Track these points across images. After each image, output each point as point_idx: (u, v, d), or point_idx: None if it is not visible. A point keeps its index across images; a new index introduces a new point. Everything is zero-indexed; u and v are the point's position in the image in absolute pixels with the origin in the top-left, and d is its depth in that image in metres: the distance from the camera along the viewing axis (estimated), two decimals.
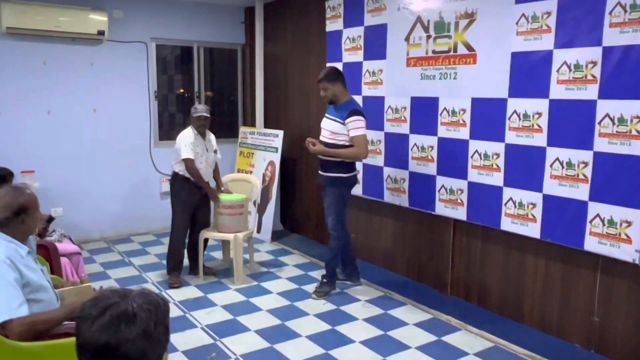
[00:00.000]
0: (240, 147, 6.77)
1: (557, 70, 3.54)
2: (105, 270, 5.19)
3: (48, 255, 3.83)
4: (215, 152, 4.91)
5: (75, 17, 5.56)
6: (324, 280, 4.63)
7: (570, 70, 3.48)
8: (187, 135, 4.69)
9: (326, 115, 4.56)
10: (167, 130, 6.83)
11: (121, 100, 6.18)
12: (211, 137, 4.91)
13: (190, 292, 4.66)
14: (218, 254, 5.62)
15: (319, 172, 4.57)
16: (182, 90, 6.85)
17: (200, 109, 4.71)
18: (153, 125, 6.46)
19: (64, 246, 4.14)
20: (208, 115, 4.73)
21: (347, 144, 4.34)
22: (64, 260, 3.95)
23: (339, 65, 5.32)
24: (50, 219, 4.36)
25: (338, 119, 4.36)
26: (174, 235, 4.79)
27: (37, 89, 5.67)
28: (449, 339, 3.82)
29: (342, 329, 3.96)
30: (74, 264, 4.13)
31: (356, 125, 4.28)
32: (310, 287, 4.77)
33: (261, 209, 6.34)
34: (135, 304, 1.19)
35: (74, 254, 4.17)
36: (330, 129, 4.41)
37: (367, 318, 4.15)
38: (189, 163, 4.65)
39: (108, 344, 1.14)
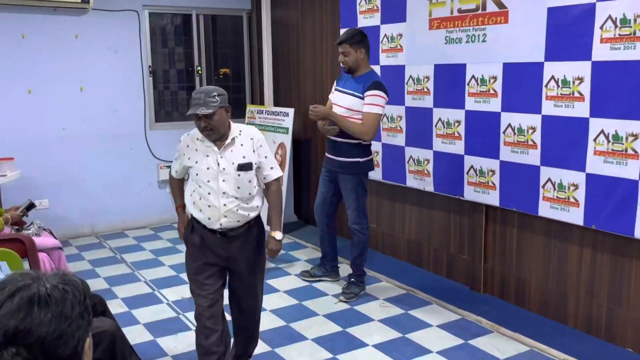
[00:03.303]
0: None
1: (601, 27, 3.45)
2: (94, 268, 5.30)
3: (24, 250, 3.93)
4: (244, 167, 3.04)
5: None
6: (352, 280, 4.61)
7: (616, 26, 3.38)
8: (183, 140, 3.18)
9: (337, 87, 4.48)
10: (168, 110, 6.92)
11: (111, 77, 6.27)
12: (242, 139, 3.08)
13: (186, 290, 4.69)
14: None
15: (328, 155, 4.53)
16: (199, 72, 6.87)
17: (195, 100, 2.95)
18: (148, 105, 6.53)
19: (43, 240, 4.23)
20: (209, 111, 2.91)
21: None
22: (42, 256, 4.04)
23: None
24: (31, 206, 4.44)
25: (356, 93, 4.28)
26: (197, 324, 3.19)
27: (15, 66, 5.78)
28: (477, 342, 3.79)
29: (355, 331, 3.98)
30: (55, 260, 4.23)
31: (373, 102, 4.21)
32: (323, 285, 4.80)
33: None
34: (48, 284, 1.22)
35: (54, 249, 4.27)
36: (346, 104, 4.32)
37: (384, 319, 4.15)
38: (170, 177, 3.40)
39: (17, 329, 1.16)
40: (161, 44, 6.83)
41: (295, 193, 6.73)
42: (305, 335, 3.92)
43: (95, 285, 4.81)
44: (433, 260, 5.03)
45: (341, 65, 4.41)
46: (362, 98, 4.25)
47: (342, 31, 5.43)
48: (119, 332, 2.87)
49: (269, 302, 4.47)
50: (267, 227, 3.25)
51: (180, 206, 3.34)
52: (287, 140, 6.29)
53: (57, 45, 5.94)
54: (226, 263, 3.16)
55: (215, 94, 2.95)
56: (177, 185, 3.39)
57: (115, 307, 4.31)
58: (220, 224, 3.05)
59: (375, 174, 5.28)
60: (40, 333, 1.17)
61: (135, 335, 3.91)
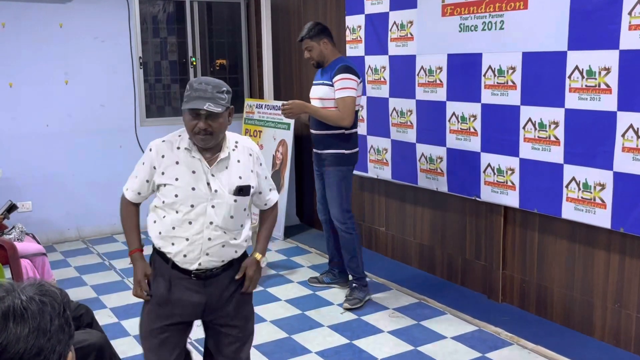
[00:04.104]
0: (246, 124, 6.79)
1: (629, 13, 3.42)
2: (81, 276, 5.29)
3: (5, 256, 3.93)
4: (243, 191, 2.56)
5: None
6: (354, 285, 4.63)
7: None
8: (156, 147, 2.57)
9: (314, 82, 4.66)
10: (160, 105, 6.91)
11: (98, 69, 6.26)
12: (239, 154, 2.61)
13: None
14: None
15: (314, 150, 4.65)
16: (194, 63, 6.87)
17: (198, 92, 2.43)
18: (138, 99, 6.52)
19: (25, 246, 4.24)
20: (218, 110, 2.42)
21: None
22: (24, 263, 4.05)
23: (361, 18, 5.29)
24: (12, 208, 4.43)
25: (326, 81, 4.44)
26: None
27: None
28: (496, 355, 3.78)
29: (362, 343, 3.96)
30: (38, 267, 4.23)
31: (344, 85, 4.34)
32: (327, 293, 4.79)
33: None
34: (24, 296, 1.22)
35: (37, 255, 4.28)
36: (318, 95, 4.50)
37: (394, 330, 4.14)
38: (121, 201, 2.71)
39: None
40: (152, 34, 6.81)
41: (297, 194, 6.71)
42: (309, 348, 3.91)
43: (82, 294, 4.80)
44: (447, 266, 5.01)
45: (310, 62, 4.60)
46: (331, 85, 4.39)
47: (348, 19, 5.47)
48: (107, 345, 2.85)
49: (269, 312, 4.47)
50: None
51: (139, 249, 2.64)
52: (289, 137, 6.28)
53: (40, 35, 5.93)
54: (201, 314, 2.62)
55: (225, 89, 2.48)
56: (134, 215, 2.66)
57: (104, 317, 4.30)
58: (199, 264, 2.53)
59: (385, 173, 5.27)
60: (17, 349, 1.17)
61: (125, 348, 3.90)
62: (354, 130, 4.51)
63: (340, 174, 4.49)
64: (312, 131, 4.58)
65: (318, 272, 5.16)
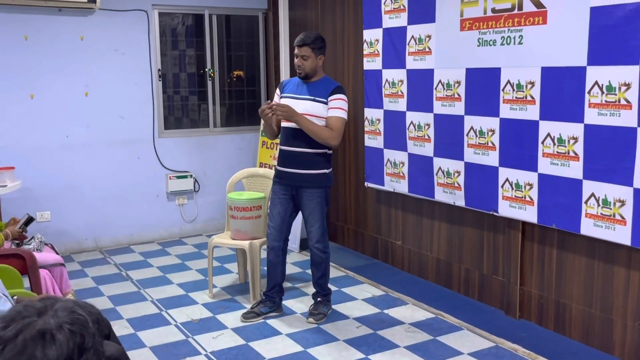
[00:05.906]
0: (263, 136, 6.81)
1: None
2: (98, 286, 5.31)
3: (24, 266, 3.95)
4: None
5: None
6: (319, 299, 4.65)
7: None
8: None
9: (286, 94, 4.47)
10: (178, 117, 6.96)
11: (118, 81, 6.33)
12: None
13: (195, 311, 4.72)
14: (233, 266, 5.67)
15: (285, 169, 4.44)
16: (212, 74, 6.91)
17: None
18: (157, 110, 6.58)
19: (44, 256, 4.26)
20: None
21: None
22: (43, 273, 4.07)
23: (379, 32, 5.30)
24: (29, 221, 4.47)
25: (319, 99, 4.35)
26: None
27: (17, 69, 5.85)
28: None
29: (378, 358, 3.94)
30: (56, 277, 4.26)
31: (340, 105, 4.33)
32: (344, 307, 4.78)
33: None
34: (54, 322, 1.19)
35: (56, 265, 4.30)
36: (304, 110, 4.33)
37: (410, 345, 4.11)
38: None
39: None
40: (171, 46, 6.88)
41: None
42: None
43: (99, 304, 4.80)
44: (464, 281, 4.98)
45: (297, 70, 4.39)
46: (325, 103, 4.33)
47: (366, 32, 5.48)
48: (124, 357, 2.84)
49: (285, 325, 4.46)
50: None
51: None
52: None
53: (62, 47, 6.01)
54: None
55: None
56: None
57: (120, 328, 4.33)
58: None
59: (401, 187, 5.27)
60: None
61: (141, 359, 3.90)
62: (332, 150, 4.50)
63: (323, 194, 4.45)
64: (292, 149, 4.39)
65: (335, 286, 5.13)
